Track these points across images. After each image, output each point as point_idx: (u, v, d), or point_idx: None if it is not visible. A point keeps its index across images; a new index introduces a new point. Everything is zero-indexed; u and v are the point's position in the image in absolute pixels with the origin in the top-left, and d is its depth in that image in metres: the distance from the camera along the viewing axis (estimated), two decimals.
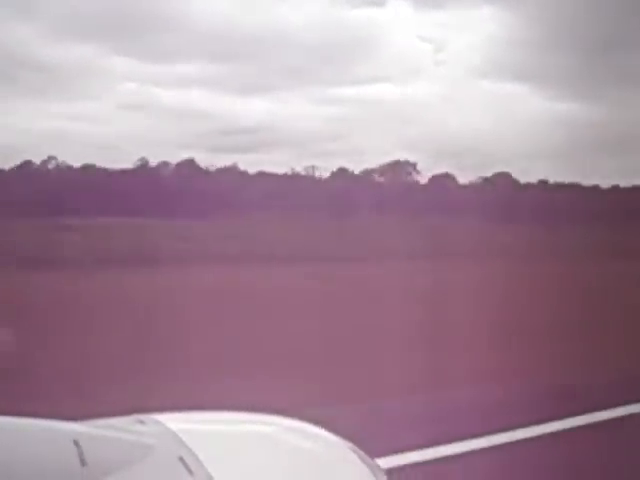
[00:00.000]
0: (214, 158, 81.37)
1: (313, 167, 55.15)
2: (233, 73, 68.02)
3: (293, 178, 53.29)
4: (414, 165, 56.63)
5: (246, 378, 8.21)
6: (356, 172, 55.38)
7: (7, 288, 14.79)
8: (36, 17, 62.81)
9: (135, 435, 2.21)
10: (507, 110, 64.38)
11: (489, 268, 24.33)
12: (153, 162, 51.78)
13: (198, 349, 10.11)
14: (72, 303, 14.45)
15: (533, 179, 57.39)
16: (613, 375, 8.65)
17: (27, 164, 48.90)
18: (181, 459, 2.06)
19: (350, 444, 2.44)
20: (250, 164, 57.42)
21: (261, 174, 53.64)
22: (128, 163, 51.67)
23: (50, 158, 49.71)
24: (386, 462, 4.36)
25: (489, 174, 57.17)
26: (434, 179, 56.12)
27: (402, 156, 59.61)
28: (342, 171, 55.58)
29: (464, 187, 55.79)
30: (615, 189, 53.84)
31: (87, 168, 48.75)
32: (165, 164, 52.53)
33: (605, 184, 54.46)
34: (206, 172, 51.89)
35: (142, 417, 2.41)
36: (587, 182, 55.43)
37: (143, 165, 50.87)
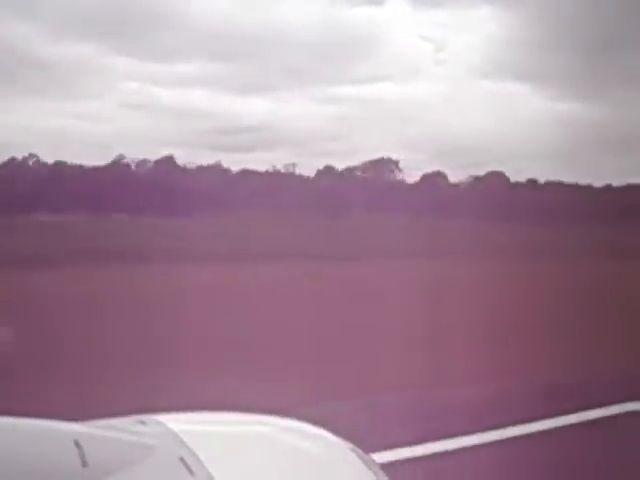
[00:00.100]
0: (215, 157, 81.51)
1: (293, 164, 55.39)
2: (233, 72, 68.05)
3: (275, 176, 53.30)
4: (396, 163, 56.74)
5: (220, 370, 8.25)
6: (340, 169, 55.59)
7: None
8: (37, 16, 62.77)
9: (136, 436, 2.21)
10: (508, 110, 64.57)
11: (478, 266, 24.45)
12: (132, 159, 51.61)
13: (170, 346, 10.12)
14: (38, 299, 14.43)
15: (531, 178, 57.58)
16: (602, 372, 8.72)
17: (11, 161, 48.95)
18: (182, 459, 2.06)
19: (350, 444, 2.44)
20: (251, 163, 57.55)
21: (244, 172, 53.65)
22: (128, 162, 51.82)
23: (31, 155, 49.73)
24: (377, 458, 4.40)
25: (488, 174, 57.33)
26: (425, 177, 56.24)
27: (402, 156, 59.86)
28: (328, 169, 55.74)
29: (455, 186, 55.95)
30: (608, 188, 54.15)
31: (59, 164, 48.62)
32: (144, 162, 52.34)
33: (601, 184, 54.68)
34: (184, 169, 51.59)
35: (143, 418, 2.41)
36: (588, 182, 55.63)
37: (116, 162, 50.61)
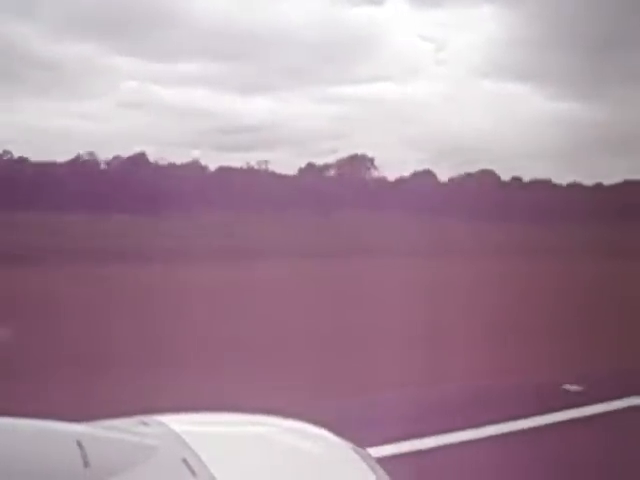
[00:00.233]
0: (215, 156, 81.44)
1: (266, 162, 55.24)
2: (234, 72, 67.90)
3: (249, 173, 52.98)
4: (372, 160, 56.43)
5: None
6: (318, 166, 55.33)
7: None
8: (38, 16, 62.79)
9: (138, 436, 2.21)
10: (508, 110, 64.40)
11: (464, 264, 24.41)
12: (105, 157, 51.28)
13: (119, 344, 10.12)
14: None
15: (516, 176, 57.37)
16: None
17: None
18: (184, 460, 2.06)
19: (352, 445, 2.45)
20: (251, 162, 57.41)
21: (221, 169, 53.34)
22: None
23: (5, 152, 49.80)
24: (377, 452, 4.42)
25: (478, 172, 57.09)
26: (415, 175, 56.08)
27: (403, 155, 59.63)
28: (310, 166, 55.67)
29: (443, 185, 55.70)
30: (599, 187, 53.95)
31: (22, 162, 48.47)
32: (116, 158, 51.97)
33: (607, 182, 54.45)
34: (155, 167, 51.09)
35: (145, 419, 2.41)
36: (590, 181, 55.45)
37: (76, 159, 50.31)
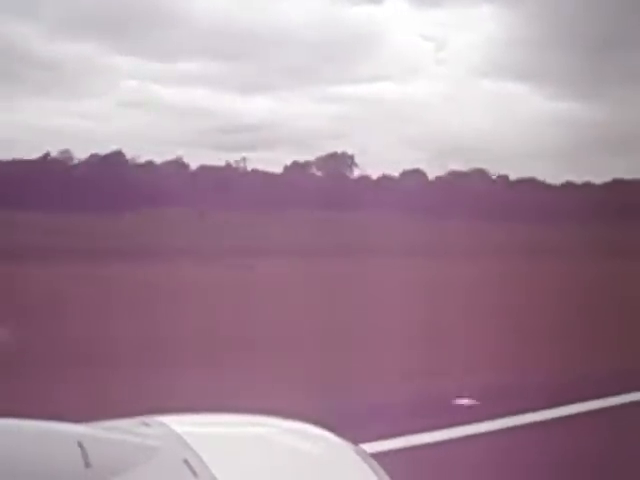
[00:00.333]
0: (216, 156, 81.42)
1: (244, 159, 54.75)
2: (234, 71, 67.97)
3: (227, 170, 52.59)
4: (352, 157, 56.27)
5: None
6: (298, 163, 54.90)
7: None
8: (38, 16, 62.64)
9: (140, 437, 2.21)
10: (508, 109, 64.59)
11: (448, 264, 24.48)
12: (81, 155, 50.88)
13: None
14: None
15: (502, 175, 57.45)
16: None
17: None
18: (186, 461, 2.06)
19: (354, 446, 2.44)
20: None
21: (202, 167, 53.08)
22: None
23: None
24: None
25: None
26: (404, 174, 56.05)
27: (403, 154, 59.45)
28: (295, 164, 55.45)
29: (432, 183, 55.65)
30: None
31: None
32: (94, 156, 51.66)
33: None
34: (132, 165, 50.76)
35: (147, 419, 2.41)
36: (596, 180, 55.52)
37: (44, 156, 50.01)
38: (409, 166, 57.61)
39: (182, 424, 2.37)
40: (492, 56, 65.52)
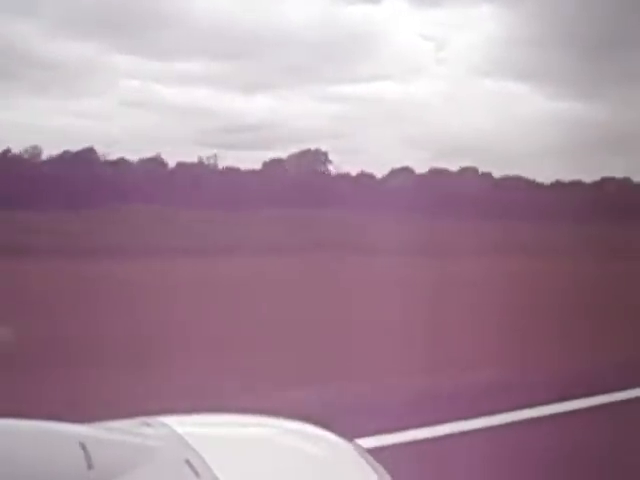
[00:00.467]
0: (218, 155, 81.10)
1: (215, 156, 54.01)
2: (235, 71, 67.72)
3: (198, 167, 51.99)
4: (325, 154, 55.76)
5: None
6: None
7: None
8: (38, 15, 62.32)
9: (141, 438, 2.20)
10: (509, 109, 64.68)
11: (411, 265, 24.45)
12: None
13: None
14: None
15: (485, 172, 57.50)
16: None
17: None
18: (187, 462, 2.06)
19: (355, 446, 2.44)
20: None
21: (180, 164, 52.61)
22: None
23: None
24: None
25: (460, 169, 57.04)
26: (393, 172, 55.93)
27: (404, 154, 59.27)
28: (275, 161, 55.13)
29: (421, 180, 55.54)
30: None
31: None
32: (66, 153, 50.98)
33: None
34: (103, 162, 50.03)
35: (148, 420, 2.40)
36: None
37: (5, 152, 49.39)
38: (408, 165, 57.56)
39: (184, 424, 2.36)
40: (492, 56, 65.66)
